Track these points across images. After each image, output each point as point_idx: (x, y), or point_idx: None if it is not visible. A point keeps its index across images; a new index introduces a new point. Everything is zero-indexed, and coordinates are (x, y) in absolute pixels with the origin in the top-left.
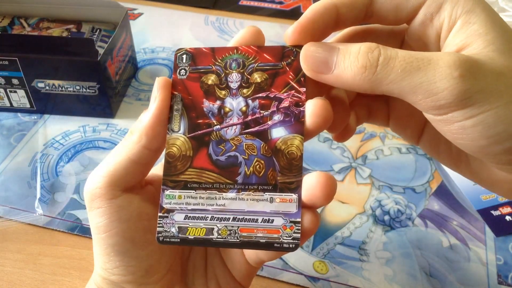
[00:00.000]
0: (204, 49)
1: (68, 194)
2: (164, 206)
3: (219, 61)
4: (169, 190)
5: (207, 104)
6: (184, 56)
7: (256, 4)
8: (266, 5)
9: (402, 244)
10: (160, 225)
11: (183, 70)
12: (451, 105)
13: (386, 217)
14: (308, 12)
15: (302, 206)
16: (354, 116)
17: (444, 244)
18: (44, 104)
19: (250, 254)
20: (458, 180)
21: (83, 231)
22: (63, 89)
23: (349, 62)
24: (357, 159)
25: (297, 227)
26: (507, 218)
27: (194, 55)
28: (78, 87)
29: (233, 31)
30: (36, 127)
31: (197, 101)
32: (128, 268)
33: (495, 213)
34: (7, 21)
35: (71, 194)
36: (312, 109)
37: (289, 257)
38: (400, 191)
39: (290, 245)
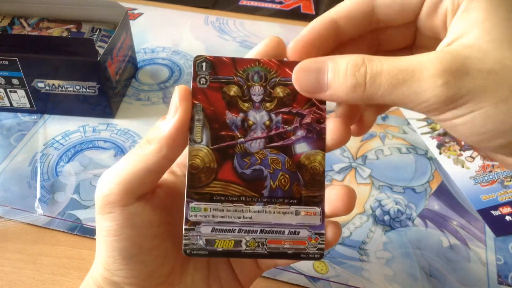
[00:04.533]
0: (224, 59)
1: (68, 194)
2: (190, 218)
3: (241, 72)
4: (195, 203)
5: (230, 116)
6: (204, 64)
7: (256, 4)
8: (266, 5)
9: (402, 244)
10: (187, 237)
11: (203, 79)
12: (439, 109)
13: (386, 217)
14: (306, 29)
15: (325, 217)
16: (371, 109)
17: (444, 244)
18: (44, 104)
19: (267, 260)
20: (458, 180)
21: (83, 231)
22: (63, 89)
23: (339, 83)
24: (357, 159)
25: (321, 239)
26: (507, 218)
27: (214, 64)
28: (78, 87)
29: (233, 31)
30: (36, 127)
31: (219, 112)
32: (132, 271)
33: (495, 213)
34: (7, 21)
35: (71, 194)
36: (332, 127)
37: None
38: (400, 191)
39: (316, 255)
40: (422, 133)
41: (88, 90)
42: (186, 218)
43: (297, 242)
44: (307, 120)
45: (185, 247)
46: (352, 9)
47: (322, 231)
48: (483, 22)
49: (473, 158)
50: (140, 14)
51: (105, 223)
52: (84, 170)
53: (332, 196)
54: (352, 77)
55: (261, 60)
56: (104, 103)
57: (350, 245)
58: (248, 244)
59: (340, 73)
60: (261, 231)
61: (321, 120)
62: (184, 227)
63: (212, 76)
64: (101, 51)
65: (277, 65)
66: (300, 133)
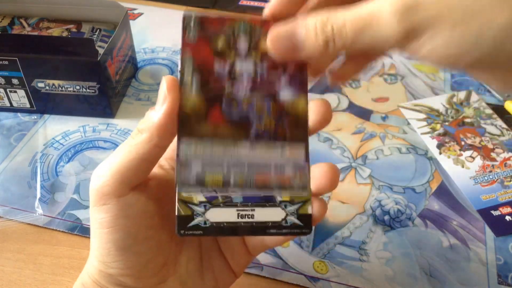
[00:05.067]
0: (212, 16)
1: (68, 194)
2: (181, 157)
3: (227, 27)
4: (185, 143)
5: (217, 66)
6: (193, 20)
7: (256, 4)
8: (266, 5)
9: (402, 244)
10: (180, 174)
11: (191, 34)
12: (403, 44)
13: (386, 217)
14: None
15: (312, 193)
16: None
17: (444, 244)
18: (44, 104)
19: (255, 242)
20: (458, 180)
21: (83, 231)
22: (63, 89)
23: (311, 42)
24: (357, 159)
25: (305, 176)
26: (507, 218)
27: (202, 20)
28: (78, 87)
29: None
30: (36, 127)
31: (207, 63)
32: (127, 263)
33: (495, 213)
34: (7, 21)
35: (71, 194)
36: (314, 108)
37: (289, 257)
38: (400, 191)
39: (303, 203)
40: (422, 133)
41: (88, 90)
42: (178, 156)
43: (284, 180)
44: (290, 68)
45: (180, 186)
46: None
47: (306, 169)
48: None
49: (473, 158)
50: (140, 14)
51: (100, 215)
52: (84, 170)
53: (317, 173)
54: (322, 34)
55: (246, 16)
56: (104, 103)
57: (350, 245)
58: (236, 180)
59: (310, 33)
60: (249, 167)
61: (302, 68)
62: (176, 163)
63: (200, 32)
64: (101, 51)
65: (261, 22)
66: (284, 80)
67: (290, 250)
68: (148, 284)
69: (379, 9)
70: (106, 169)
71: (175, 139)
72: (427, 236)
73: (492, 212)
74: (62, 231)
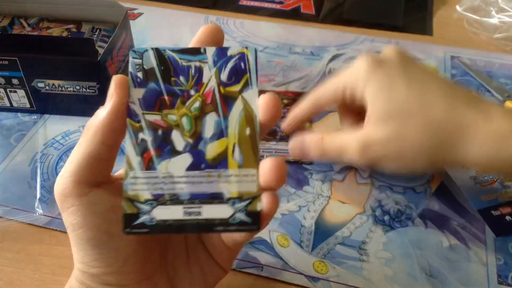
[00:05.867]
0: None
1: None
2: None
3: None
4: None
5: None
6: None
7: (256, 4)
8: (266, 5)
9: (402, 244)
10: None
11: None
12: (368, 166)
13: (386, 217)
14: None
15: (262, 189)
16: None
17: (444, 244)
18: (44, 104)
19: (227, 237)
20: (458, 180)
21: None
22: (63, 89)
23: (313, 152)
24: None
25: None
26: (507, 218)
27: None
28: (78, 87)
29: (233, 31)
30: (36, 127)
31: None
32: (106, 260)
33: (495, 213)
34: (7, 21)
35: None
36: (263, 104)
37: (289, 257)
38: (400, 191)
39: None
40: None
41: (88, 90)
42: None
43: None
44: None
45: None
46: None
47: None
48: (374, 102)
49: None
50: (140, 14)
51: (70, 218)
52: None
53: (264, 169)
54: (318, 148)
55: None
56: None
57: (350, 245)
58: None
59: (311, 147)
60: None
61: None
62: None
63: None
64: (101, 51)
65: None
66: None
67: (290, 250)
68: (133, 280)
69: (349, 144)
70: (64, 172)
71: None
72: (427, 236)
73: (492, 212)
74: (62, 231)
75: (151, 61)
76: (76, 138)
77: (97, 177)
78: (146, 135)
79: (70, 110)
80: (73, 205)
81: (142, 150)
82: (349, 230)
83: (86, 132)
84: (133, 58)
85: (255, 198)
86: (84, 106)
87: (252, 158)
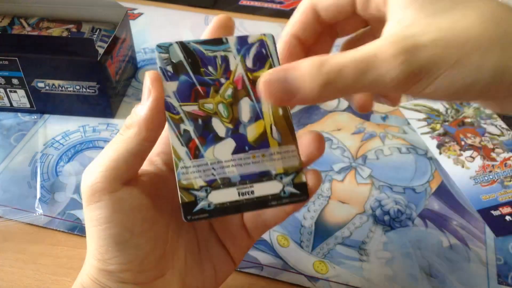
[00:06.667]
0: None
1: (68, 194)
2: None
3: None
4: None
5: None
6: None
7: (256, 4)
8: (266, 5)
9: (402, 244)
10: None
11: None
12: (406, 85)
13: (386, 217)
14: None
15: (304, 165)
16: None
17: (444, 244)
18: (44, 104)
19: (256, 223)
20: (458, 180)
21: (83, 231)
22: (63, 89)
23: (308, 84)
24: (357, 159)
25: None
26: (507, 218)
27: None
28: (78, 87)
29: None
30: (36, 127)
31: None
32: (126, 257)
33: (495, 213)
34: (7, 21)
35: (71, 194)
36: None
37: (289, 257)
38: (400, 191)
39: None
40: (422, 133)
41: (88, 90)
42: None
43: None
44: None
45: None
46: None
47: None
48: (412, 3)
49: (473, 158)
50: (140, 14)
51: (95, 212)
52: (84, 170)
53: (304, 143)
54: (319, 76)
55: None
56: (104, 103)
57: (350, 245)
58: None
59: (305, 76)
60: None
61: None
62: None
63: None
64: (101, 51)
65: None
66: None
67: (290, 250)
68: (148, 278)
69: (380, 50)
70: (97, 166)
71: (165, 132)
72: (427, 236)
73: (492, 212)
74: (62, 231)
75: (178, 54)
76: (76, 138)
77: (131, 174)
78: (188, 126)
79: (70, 110)
80: (101, 200)
81: (187, 140)
82: (349, 230)
83: (126, 130)
84: (160, 53)
85: (299, 171)
86: (84, 106)
87: (289, 135)
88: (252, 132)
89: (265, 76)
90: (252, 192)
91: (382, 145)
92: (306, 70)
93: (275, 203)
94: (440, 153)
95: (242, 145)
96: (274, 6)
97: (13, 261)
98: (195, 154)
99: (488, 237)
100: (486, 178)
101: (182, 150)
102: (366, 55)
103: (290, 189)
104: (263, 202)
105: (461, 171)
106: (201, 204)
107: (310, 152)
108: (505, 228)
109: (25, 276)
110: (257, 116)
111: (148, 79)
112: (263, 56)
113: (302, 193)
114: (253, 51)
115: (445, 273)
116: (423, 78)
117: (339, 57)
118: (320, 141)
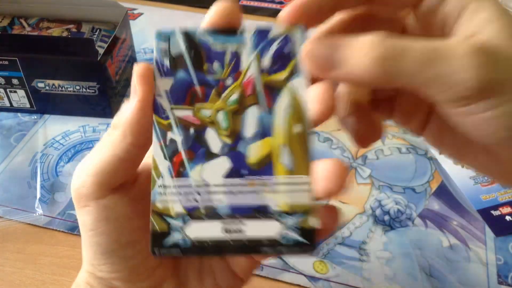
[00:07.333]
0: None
1: (68, 194)
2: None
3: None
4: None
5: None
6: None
7: (256, 4)
8: (266, 5)
9: (402, 244)
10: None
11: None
12: (471, 96)
13: (386, 217)
14: None
15: (317, 199)
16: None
17: (444, 244)
18: (44, 104)
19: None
20: (458, 180)
21: None
22: (63, 89)
23: (358, 57)
24: (357, 159)
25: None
26: (507, 218)
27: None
28: (78, 87)
29: None
30: (36, 127)
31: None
32: (114, 267)
33: (495, 213)
34: (7, 21)
35: (71, 194)
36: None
37: (289, 257)
38: (400, 191)
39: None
40: None
41: (88, 90)
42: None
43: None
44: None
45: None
46: None
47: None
48: (495, 22)
49: None
50: (140, 14)
51: (83, 217)
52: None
53: (320, 173)
54: (377, 48)
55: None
56: (104, 103)
57: (350, 245)
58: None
59: (361, 47)
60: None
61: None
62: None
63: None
64: (101, 51)
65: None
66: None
67: None
68: (141, 287)
69: (457, 46)
70: (84, 169)
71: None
72: (427, 236)
73: (492, 212)
74: (62, 231)
75: (179, 44)
76: (76, 138)
77: (120, 180)
78: (176, 135)
79: (70, 110)
80: (87, 205)
81: (171, 152)
82: (349, 230)
83: (112, 131)
84: (158, 41)
85: (309, 211)
86: (84, 106)
87: (304, 162)
88: (254, 152)
89: (311, 42)
90: (242, 231)
91: (382, 145)
92: (365, 40)
93: (269, 251)
94: (440, 153)
95: (238, 167)
96: (274, 6)
97: (13, 261)
98: (179, 171)
99: (488, 237)
100: (486, 178)
101: (164, 165)
102: (438, 44)
103: (292, 234)
104: (253, 247)
105: (461, 171)
106: (174, 237)
107: (324, 188)
108: (505, 228)
109: (25, 276)
110: (264, 132)
111: (135, 73)
112: (286, 55)
113: (307, 243)
114: (274, 47)
115: (445, 273)
116: (495, 95)
117: (405, 39)
118: (342, 174)
